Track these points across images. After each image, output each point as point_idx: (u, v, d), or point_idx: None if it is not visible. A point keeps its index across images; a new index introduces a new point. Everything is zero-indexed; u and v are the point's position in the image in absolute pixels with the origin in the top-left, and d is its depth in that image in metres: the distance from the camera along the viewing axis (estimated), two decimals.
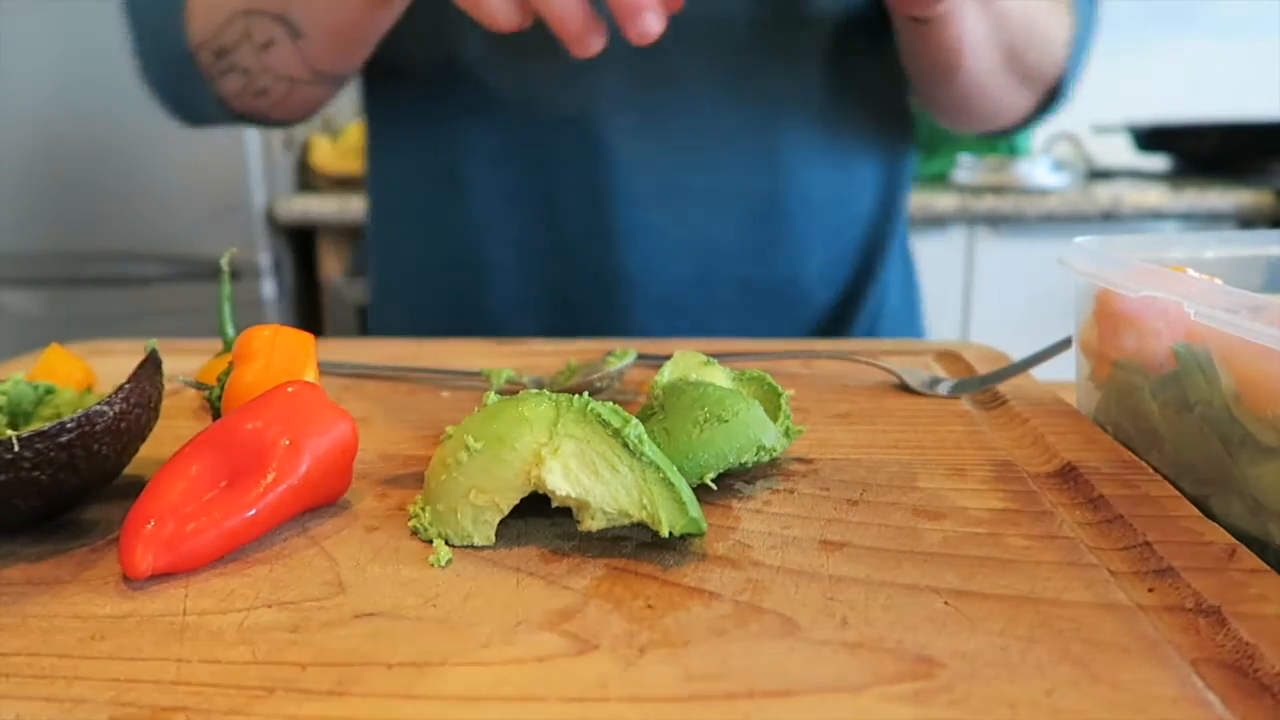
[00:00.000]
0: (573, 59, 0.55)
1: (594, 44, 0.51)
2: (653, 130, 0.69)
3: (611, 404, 0.35)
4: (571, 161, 0.70)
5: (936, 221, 1.71)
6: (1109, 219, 1.67)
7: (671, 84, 0.68)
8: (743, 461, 0.38)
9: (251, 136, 1.65)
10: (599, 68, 0.63)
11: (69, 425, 0.32)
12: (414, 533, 0.35)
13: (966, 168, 1.78)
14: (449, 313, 0.77)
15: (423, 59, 0.72)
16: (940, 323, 1.68)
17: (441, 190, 0.74)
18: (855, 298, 0.78)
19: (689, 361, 0.45)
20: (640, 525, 0.33)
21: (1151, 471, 0.40)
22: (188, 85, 0.69)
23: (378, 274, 0.84)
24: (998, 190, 1.70)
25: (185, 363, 0.60)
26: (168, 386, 0.53)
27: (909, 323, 0.84)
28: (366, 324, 0.92)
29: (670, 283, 0.72)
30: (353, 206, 1.71)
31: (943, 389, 0.52)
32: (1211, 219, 1.67)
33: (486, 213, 0.73)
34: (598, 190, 0.70)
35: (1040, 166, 1.73)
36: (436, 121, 0.73)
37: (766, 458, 0.39)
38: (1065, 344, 0.50)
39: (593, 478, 0.33)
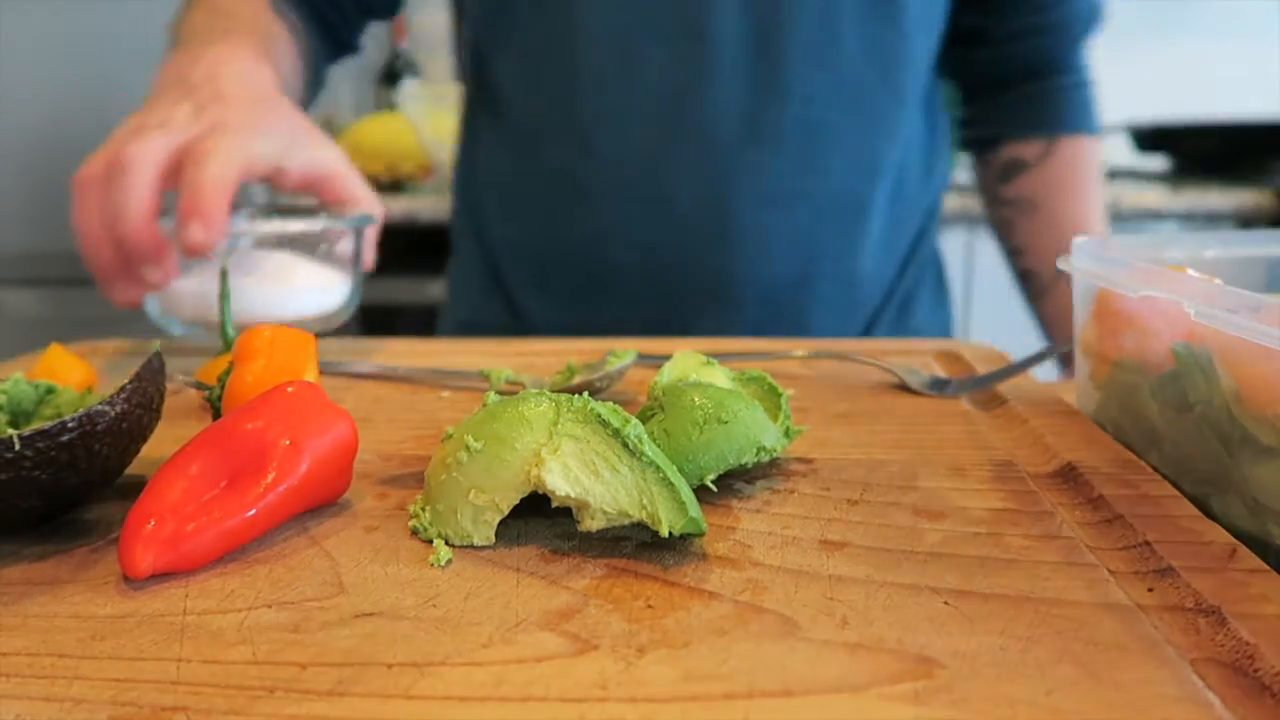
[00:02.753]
0: (693, 71, 0.64)
1: (121, 294, 0.55)
2: (767, 138, 0.73)
3: (611, 404, 0.35)
4: (692, 168, 0.73)
5: None
6: (1108, 219, 1.67)
7: (786, 96, 0.72)
8: (743, 463, 0.38)
9: None
10: (721, 79, 0.70)
11: (70, 425, 0.32)
12: (414, 533, 0.35)
13: (967, 168, 1.77)
14: (573, 310, 0.80)
15: (550, 70, 0.75)
16: None
17: (565, 193, 0.77)
18: (908, 289, 0.83)
19: (689, 362, 0.45)
20: (640, 525, 0.33)
21: (1151, 471, 0.40)
22: None
23: (475, 272, 0.85)
24: None
25: (186, 363, 0.60)
26: (168, 386, 0.53)
27: (940, 312, 0.89)
28: (436, 322, 0.93)
29: (775, 282, 0.76)
30: None
31: (943, 389, 0.52)
32: (1211, 219, 1.67)
33: (611, 216, 0.76)
34: (715, 195, 0.74)
35: None
36: (564, 129, 0.75)
37: (766, 458, 0.39)
38: (1065, 344, 0.50)
39: (593, 478, 0.33)
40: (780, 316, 0.77)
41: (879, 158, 0.77)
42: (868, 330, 0.81)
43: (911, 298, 0.84)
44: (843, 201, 0.76)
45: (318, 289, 0.60)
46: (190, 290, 0.57)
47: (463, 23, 0.83)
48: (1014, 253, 0.87)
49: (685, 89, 0.72)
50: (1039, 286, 0.85)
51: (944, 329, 0.88)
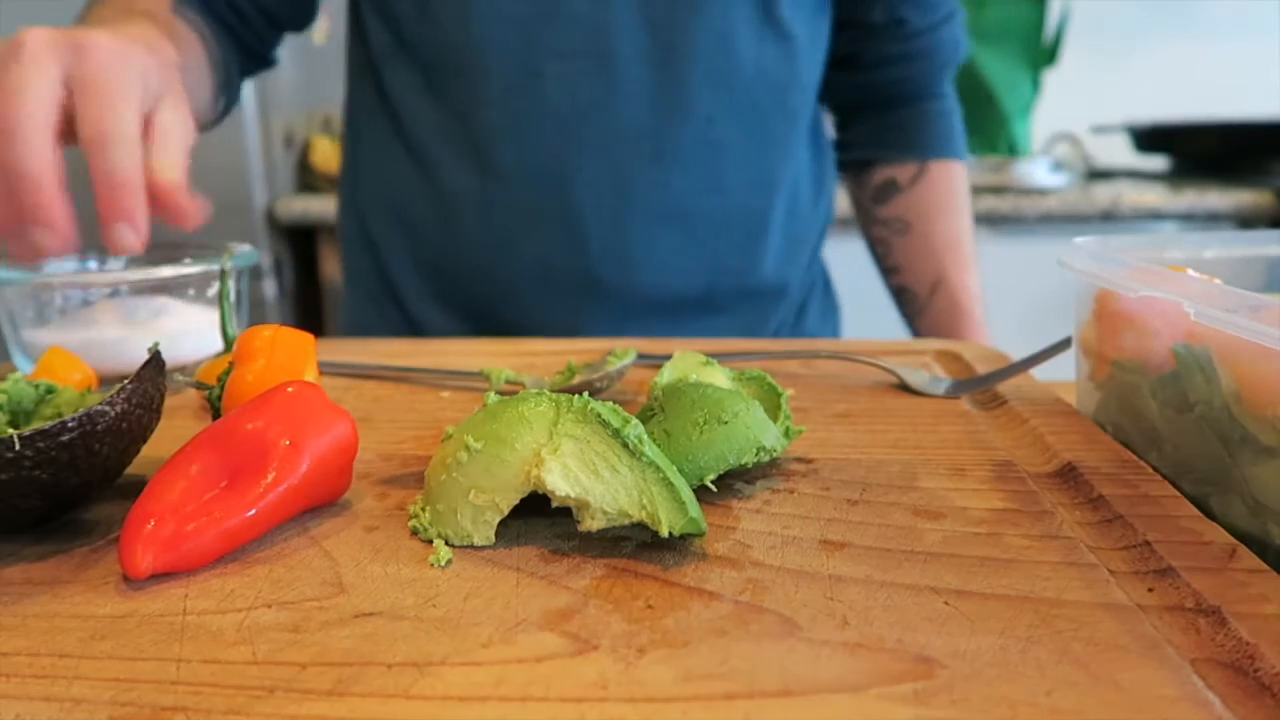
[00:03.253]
0: (596, 88, 0.67)
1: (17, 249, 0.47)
2: (669, 155, 0.74)
3: (611, 404, 0.35)
4: (594, 183, 0.74)
5: None
6: (1108, 219, 1.67)
7: (688, 115, 0.74)
8: (743, 463, 0.38)
9: (251, 137, 1.65)
10: (624, 96, 0.72)
11: (70, 425, 0.32)
12: (414, 533, 0.35)
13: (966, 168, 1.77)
14: (471, 318, 0.80)
15: (448, 84, 0.75)
16: None
17: (463, 207, 0.77)
18: (802, 301, 0.87)
19: (689, 362, 0.45)
20: (640, 525, 0.33)
21: (1151, 471, 0.40)
22: None
23: (367, 279, 0.85)
24: (997, 190, 1.70)
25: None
26: (168, 386, 0.53)
27: (829, 320, 0.93)
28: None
29: (678, 297, 0.78)
30: None
31: (943, 389, 0.52)
32: (1211, 219, 1.67)
33: (511, 230, 0.76)
34: (618, 211, 0.74)
35: (1039, 167, 1.73)
36: (463, 143, 0.76)
37: (766, 458, 0.39)
38: (1065, 344, 0.50)
39: (592, 478, 0.33)
40: (683, 330, 0.78)
41: (776, 176, 0.79)
42: None
43: (804, 308, 0.87)
44: (742, 218, 0.78)
45: (195, 332, 0.58)
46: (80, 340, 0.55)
47: (356, 26, 0.81)
48: (890, 270, 0.91)
49: (590, 105, 0.73)
50: (916, 304, 0.88)
51: (834, 335, 0.93)
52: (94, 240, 0.52)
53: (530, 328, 0.77)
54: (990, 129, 1.88)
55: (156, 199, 0.47)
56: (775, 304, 0.83)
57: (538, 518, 0.36)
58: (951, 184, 0.88)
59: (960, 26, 0.87)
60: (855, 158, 0.90)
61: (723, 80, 0.74)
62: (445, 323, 0.80)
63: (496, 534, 0.34)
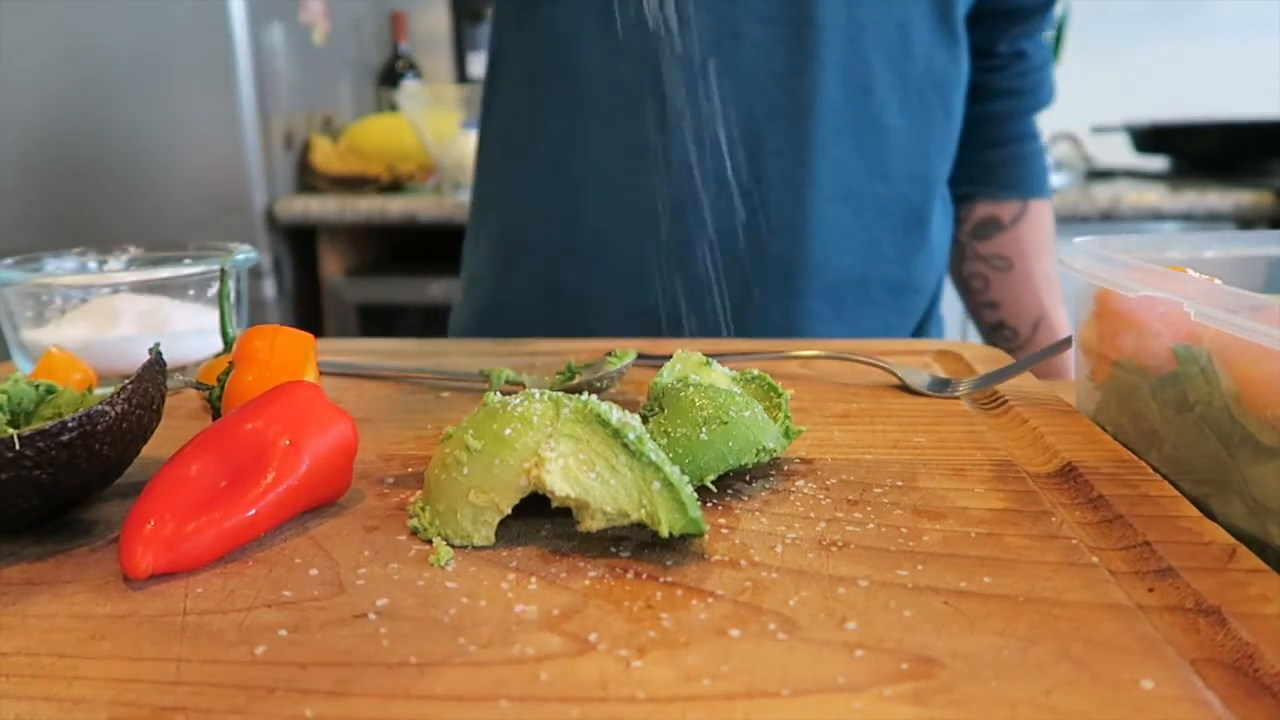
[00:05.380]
0: (795, 56, 0.71)
1: None
2: (849, 132, 0.76)
3: (611, 404, 0.35)
4: (781, 152, 0.75)
5: None
6: (1108, 219, 1.67)
7: (868, 95, 0.76)
8: (743, 463, 0.38)
9: (251, 137, 1.65)
10: (821, 68, 0.73)
11: (70, 425, 0.32)
12: (414, 533, 0.35)
13: None
14: (628, 295, 0.79)
15: (646, 48, 0.75)
16: None
17: (648, 162, 0.77)
18: (933, 302, 0.88)
19: (689, 362, 0.45)
20: (640, 525, 0.33)
21: (1151, 471, 0.40)
22: None
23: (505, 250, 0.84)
24: None
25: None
26: (168, 386, 0.53)
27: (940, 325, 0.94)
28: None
29: (838, 276, 0.78)
30: (352, 206, 1.71)
31: (943, 389, 0.52)
32: (1211, 219, 1.67)
33: (692, 190, 0.76)
34: (801, 182, 0.75)
35: None
36: (655, 107, 0.76)
37: (766, 458, 0.39)
38: (1065, 344, 0.50)
39: (592, 478, 0.33)
40: (839, 314, 0.79)
41: (935, 173, 0.80)
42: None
43: (930, 314, 0.88)
44: (902, 208, 0.79)
45: (194, 333, 0.57)
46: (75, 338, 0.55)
47: None
48: (986, 306, 0.92)
49: (787, 73, 0.74)
50: (1018, 340, 0.89)
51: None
52: (94, 240, 0.52)
53: (693, 299, 0.76)
54: None
55: None
56: (917, 302, 0.83)
57: (538, 518, 0.36)
58: (1049, 223, 0.91)
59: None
60: (956, 193, 0.91)
61: (897, 67, 0.76)
62: (607, 289, 0.79)
63: (496, 534, 0.34)
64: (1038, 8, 0.85)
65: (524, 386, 0.53)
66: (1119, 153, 2.02)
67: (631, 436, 0.33)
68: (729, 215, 0.76)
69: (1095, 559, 0.32)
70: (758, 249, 0.76)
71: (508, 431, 0.34)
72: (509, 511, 0.34)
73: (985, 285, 0.90)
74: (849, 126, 0.75)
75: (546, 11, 0.77)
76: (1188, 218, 1.68)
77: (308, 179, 1.81)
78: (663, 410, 0.40)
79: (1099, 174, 1.99)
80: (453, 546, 0.34)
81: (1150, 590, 0.30)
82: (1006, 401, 0.49)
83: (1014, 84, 0.87)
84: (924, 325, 0.87)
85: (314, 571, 0.32)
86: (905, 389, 0.53)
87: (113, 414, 0.34)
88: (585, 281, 0.79)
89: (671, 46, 0.73)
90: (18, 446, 0.31)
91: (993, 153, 0.89)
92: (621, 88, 0.76)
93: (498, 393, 0.36)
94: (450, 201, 1.69)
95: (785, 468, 0.41)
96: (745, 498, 0.38)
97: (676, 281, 0.78)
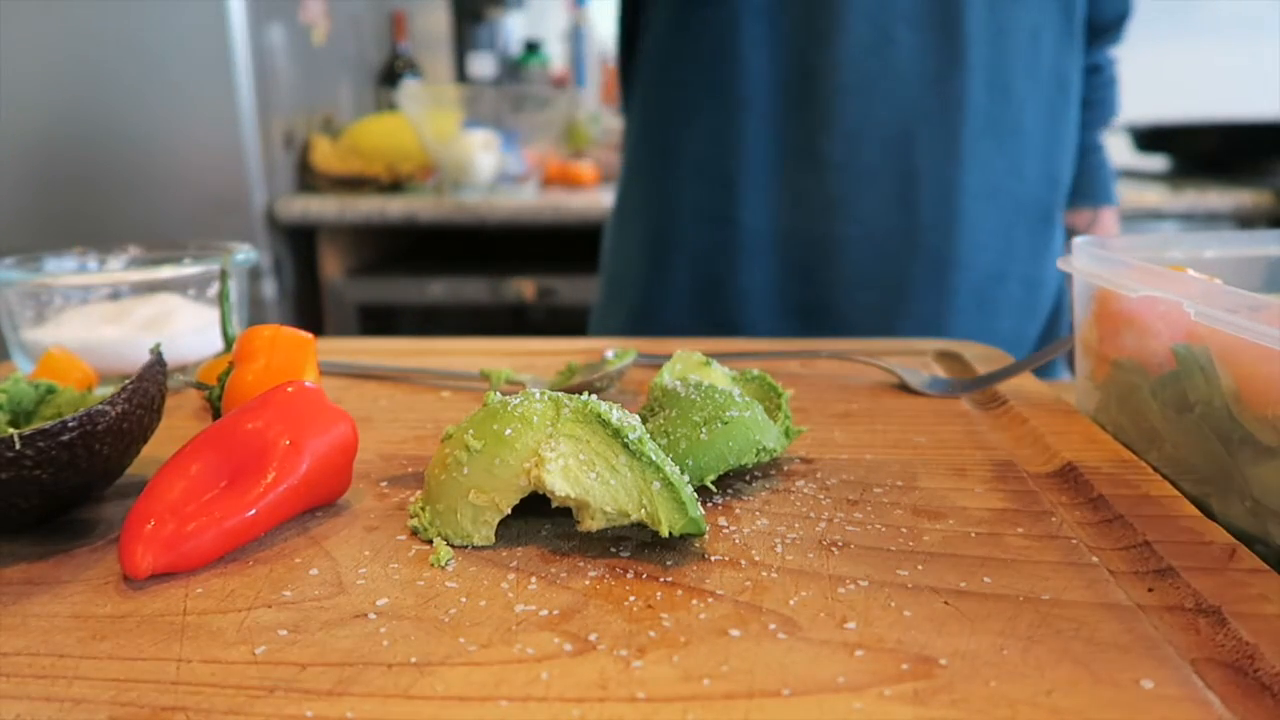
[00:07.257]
0: (944, 61, 0.73)
1: None
2: (993, 132, 0.79)
3: (611, 404, 0.35)
4: (930, 151, 0.77)
5: None
6: None
7: (1008, 95, 0.78)
8: (743, 463, 0.38)
9: (251, 137, 1.65)
10: (968, 71, 0.75)
11: (71, 424, 0.32)
12: (414, 533, 0.35)
13: None
14: (783, 291, 0.81)
15: (801, 40, 0.77)
16: None
17: (802, 160, 0.79)
18: (1058, 306, 0.91)
19: (689, 362, 0.45)
20: (640, 525, 0.33)
21: (1151, 471, 0.40)
22: None
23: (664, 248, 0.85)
24: None
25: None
26: (168, 386, 0.53)
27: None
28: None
29: (981, 272, 0.81)
30: (352, 206, 1.71)
31: (943, 389, 0.52)
32: (1211, 219, 1.67)
33: (844, 188, 0.78)
34: (949, 180, 0.78)
35: None
36: (808, 99, 0.78)
37: (766, 458, 0.39)
38: (1065, 343, 0.50)
39: (592, 478, 0.33)
40: (981, 308, 0.81)
41: (1061, 175, 0.83)
42: (1042, 340, 0.87)
43: (1056, 318, 0.90)
44: (1033, 208, 0.82)
45: (194, 333, 0.58)
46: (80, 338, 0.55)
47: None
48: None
49: (938, 76, 0.76)
50: None
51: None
52: (94, 240, 0.52)
53: (848, 294, 0.78)
54: None
55: None
56: (1047, 297, 0.85)
57: (538, 518, 0.36)
58: (1116, 227, 0.96)
59: None
60: None
61: (1030, 70, 0.78)
62: (761, 285, 0.81)
63: (496, 534, 0.34)
64: (1117, 20, 0.89)
65: (524, 386, 0.53)
66: (1119, 152, 2.01)
67: (632, 436, 0.33)
68: (882, 212, 0.78)
69: (1095, 559, 0.32)
70: (910, 245, 0.79)
71: (508, 431, 0.34)
72: (509, 511, 0.34)
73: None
74: (991, 127, 0.78)
75: (708, 14, 0.78)
76: (1188, 218, 1.68)
77: (308, 179, 1.81)
78: (663, 410, 0.40)
79: None
80: (453, 546, 0.34)
81: (1150, 590, 0.30)
82: (1006, 401, 0.49)
83: (1088, 96, 0.90)
84: (1054, 320, 0.89)
85: (314, 571, 0.32)
86: (905, 389, 0.53)
87: (113, 414, 0.34)
88: (738, 278, 0.81)
89: (830, 50, 0.75)
90: (18, 446, 0.31)
91: None
92: (780, 89, 0.78)
93: (498, 393, 0.36)
94: (450, 201, 1.69)
95: (785, 468, 0.41)
96: (745, 498, 0.38)
97: (831, 277, 0.80)
